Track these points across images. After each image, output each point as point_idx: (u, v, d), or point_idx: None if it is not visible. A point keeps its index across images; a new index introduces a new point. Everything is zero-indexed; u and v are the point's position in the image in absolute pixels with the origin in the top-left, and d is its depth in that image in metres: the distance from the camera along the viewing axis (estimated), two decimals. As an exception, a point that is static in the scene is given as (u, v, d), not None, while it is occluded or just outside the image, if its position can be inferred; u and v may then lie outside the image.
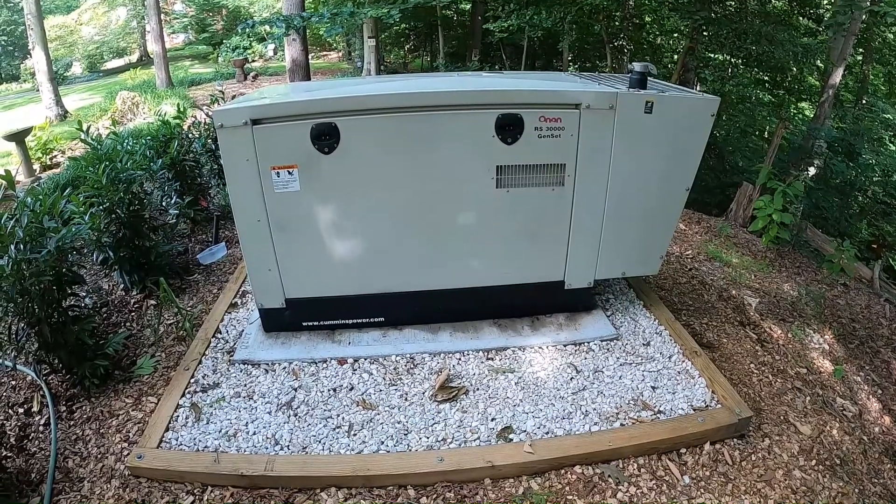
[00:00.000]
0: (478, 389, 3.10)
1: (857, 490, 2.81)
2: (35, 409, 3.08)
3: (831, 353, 4.11)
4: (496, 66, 13.33)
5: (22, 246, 2.70)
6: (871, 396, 3.75)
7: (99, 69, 26.94)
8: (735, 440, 2.89)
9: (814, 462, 2.87)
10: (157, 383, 3.24)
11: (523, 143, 3.07)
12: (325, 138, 2.95)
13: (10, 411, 3.07)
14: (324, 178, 3.05)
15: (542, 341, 3.47)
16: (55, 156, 10.35)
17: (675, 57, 12.97)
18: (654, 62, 12.53)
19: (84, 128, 3.99)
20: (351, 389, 3.11)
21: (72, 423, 2.97)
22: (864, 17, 9.46)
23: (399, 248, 3.31)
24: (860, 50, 12.69)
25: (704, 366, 3.27)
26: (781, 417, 3.16)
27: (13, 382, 3.28)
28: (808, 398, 3.41)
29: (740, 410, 2.91)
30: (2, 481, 2.52)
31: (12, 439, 2.87)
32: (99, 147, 3.98)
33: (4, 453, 2.75)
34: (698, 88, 10.89)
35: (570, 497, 2.54)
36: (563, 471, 2.66)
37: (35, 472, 2.67)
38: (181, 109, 5.72)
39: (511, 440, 2.76)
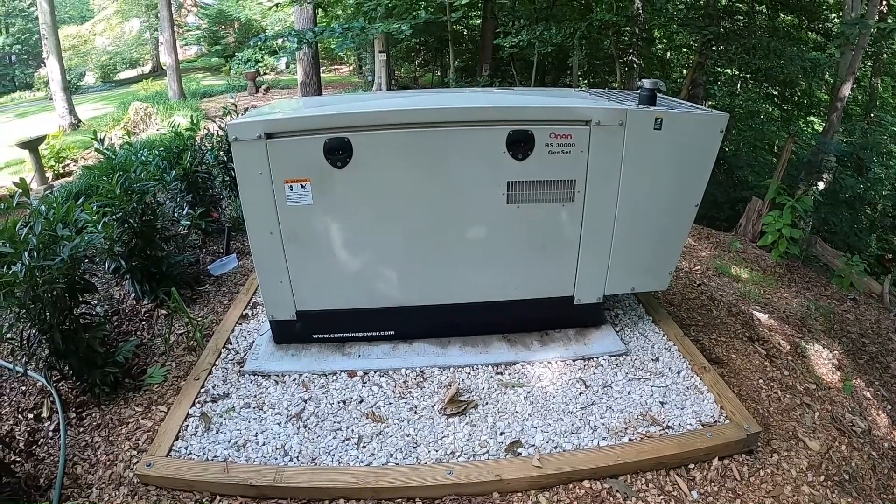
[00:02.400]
0: (487, 403, 3.10)
1: (865, 506, 2.80)
2: (45, 414, 3.10)
3: (840, 369, 4.09)
4: (506, 82, 13.39)
5: (35, 253, 2.74)
6: (880, 412, 3.72)
7: (112, 79, 27.20)
8: (743, 456, 2.88)
9: (822, 478, 2.86)
10: (167, 392, 3.26)
11: (534, 159, 3.09)
12: (338, 153, 2.97)
13: (19, 416, 3.10)
14: (336, 192, 3.07)
15: (551, 356, 3.47)
16: (67, 164, 10.45)
17: (685, 72, 13.01)
18: (664, 77, 12.60)
19: (99, 137, 4.03)
20: (360, 402, 3.12)
21: (81, 429, 2.99)
22: (872, 31, 9.47)
23: (409, 263, 3.33)
24: (868, 64, 12.67)
25: (713, 381, 3.26)
26: (790, 433, 3.15)
27: (23, 388, 3.31)
28: (817, 414, 3.39)
29: (749, 426, 2.90)
30: (10, 486, 2.54)
31: (21, 444, 2.89)
32: (113, 157, 4.02)
33: (13, 458, 2.77)
34: (707, 103, 10.91)
35: (578, 511, 2.54)
36: (571, 485, 2.66)
37: (44, 477, 2.69)
38: (195, 121, 5.77)
39: (520, 454, 2.76)
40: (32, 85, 26.09)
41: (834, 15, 12.74)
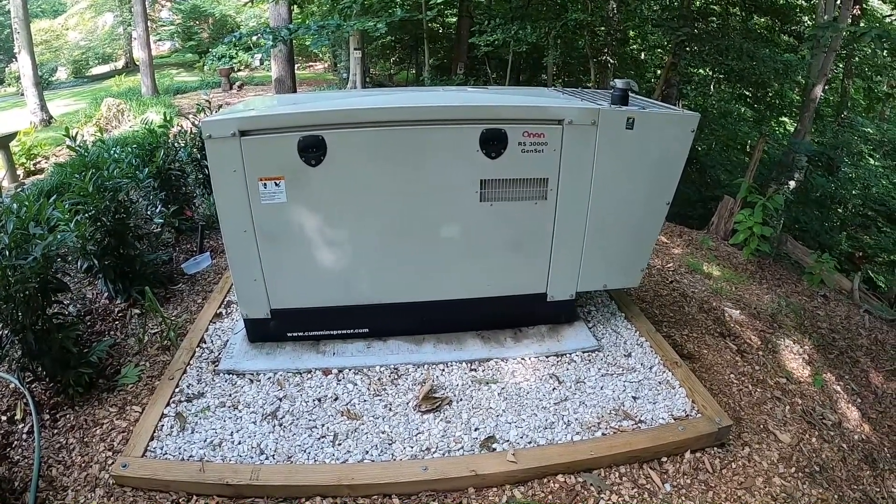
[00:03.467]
0: (461, 400, 3.12)
1: (836, 496, 2.85)
2: (18, 416, 3.06)
3: (811, 363, 4.16)
4: (481, 80, 13.41)
5: (7, 252, 2.71)
6: (850, 405, 3.80)
7: (84, 75, 26.78)
8: (715, 448, 2.93)
9: (793, 469, 2.92)
10: (141, 392, 3.23)
11: (507, 157, 3.11)
12: (312, 151, 2.97)
13: (-8, 419, 3.06)
14: (310, 190, 3.07)
15: (525, 353, 3.50)
16: (39, 162, 10.28)
17: (659, 72, 13.13)
18: (638, 77, 12.72)
19: (71, 134, 3.99)
20: (335, 400, 3.12)
21: (55, 431, 2.96)
22: (844, 34, 9.64)
23: (384, 261, 3.34)
24: (840, 66, 12.88)
25: (685, 376, 3.31)
26: (761, 426, 3.21)
27: (-4, 390, 3.27)
28: (788, 407, 3.46)
29: (720, 419, 2.95)
30: (-16, 490, 2.51)
31: (-5, 447, 2.86)
32: (86, 154, 3.97)
33: (-13, 461, 2.74)
34: (680, 103, 11.03)
35: (552, 506, 2.57)
36: (545, 479, 2.69)
37: (18, 480, 2.66)
38: (167, 118, 5.71)
39: (494, 449, 2.79)
40: (3, 80, 25.58)
41: (806, 18, 12.93)
